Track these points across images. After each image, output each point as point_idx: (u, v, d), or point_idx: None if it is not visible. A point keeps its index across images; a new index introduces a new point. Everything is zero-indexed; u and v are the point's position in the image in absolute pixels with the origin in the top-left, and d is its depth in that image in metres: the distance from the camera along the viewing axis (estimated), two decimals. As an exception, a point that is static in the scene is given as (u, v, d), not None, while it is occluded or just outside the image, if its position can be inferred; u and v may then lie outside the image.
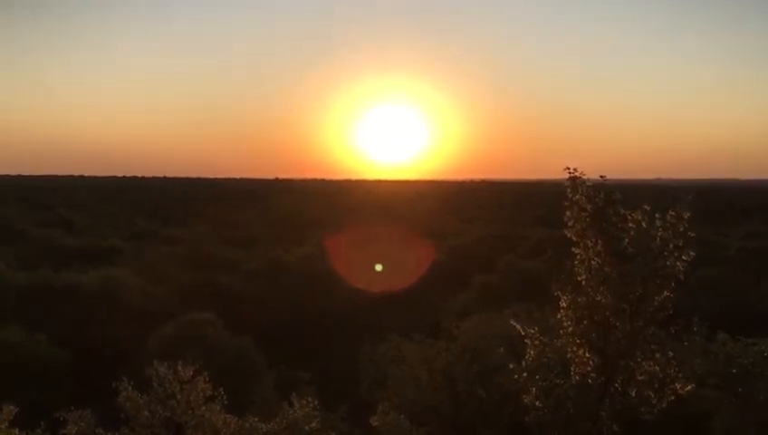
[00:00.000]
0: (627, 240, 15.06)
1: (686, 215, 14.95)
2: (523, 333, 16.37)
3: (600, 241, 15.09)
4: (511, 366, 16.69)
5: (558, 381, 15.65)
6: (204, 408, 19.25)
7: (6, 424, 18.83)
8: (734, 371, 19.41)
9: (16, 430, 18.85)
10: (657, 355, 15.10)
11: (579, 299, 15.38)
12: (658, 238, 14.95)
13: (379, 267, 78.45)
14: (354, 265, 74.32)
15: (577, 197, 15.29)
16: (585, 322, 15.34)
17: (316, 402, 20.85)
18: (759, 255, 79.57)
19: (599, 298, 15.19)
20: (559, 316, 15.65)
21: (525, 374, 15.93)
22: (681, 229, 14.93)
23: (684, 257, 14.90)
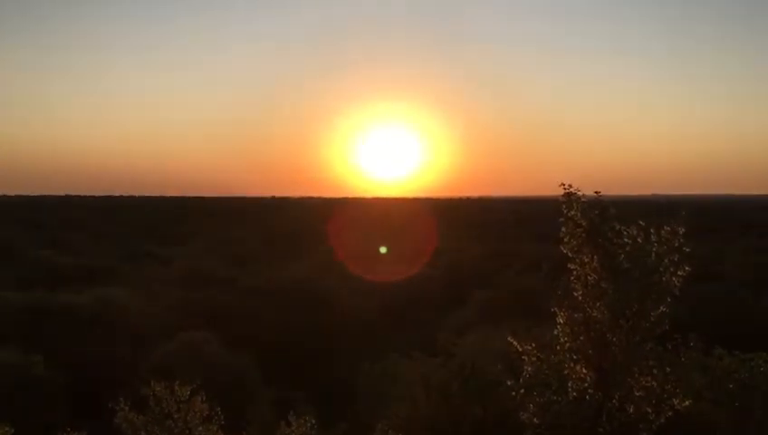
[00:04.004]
0: (622, 256, 15.14)
1: (681, 230, 15.06)
2: (520, 350, 16.37)
3: (595, 257, 15.16)
4: (508, 383, 16.66)
5: (555, 397, 15.64)
6: (201, 428, 19.21)
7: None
8: (731, 386, 19.44)
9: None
10: (655, 371, 15.12)
11: (575, 315, 15.43)
12: (654, 254, 15.03)
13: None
14: (352, 282, 74.32)
15: (572, 213, 15.38)
16: (582, 337, 15.37)
17: (314, 421, 20.82)
18: (756, 270, 79.71)
19: (595, 314, 15.24)
20: (555, 332, 15.68)
21: (522, 391, 15.92)
22: (676, 244, 15.02)
23: (680, 273, 14.99)
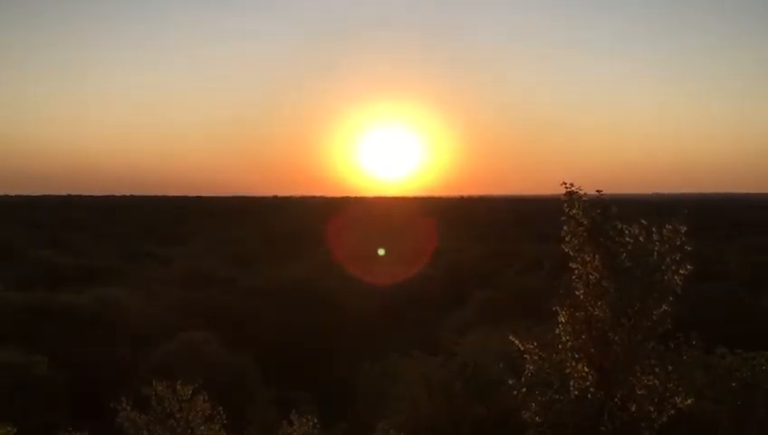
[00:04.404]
0: (624, 254, 15.12)
1: (683, 229, 15.04)
2: (521, 349, 16.35)
3: (597, 255, 15.15)
4: (510, 382, 16.64)
5: (557, 396, 15.63)
6: (203, 427, 19.20)
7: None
8: (733, 384, 19.44)
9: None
10: (657, 369, 15.11)
11: (577, 314, 15.41)
12: (656, 253, 15.02)
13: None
14: (352, 282, 74.30)
15: (574, 211, 15.37)
16: (583, 336, 15.36)
17: (316, 421, 20.80)
18: (757, 269, 79.67)
19: (597, 313, 15.23)
20: (557, 331, 15.67)
21: (524, 390, 15.91)
22: (678, 243, 15.01)
23: (681, 271, 14.97)
